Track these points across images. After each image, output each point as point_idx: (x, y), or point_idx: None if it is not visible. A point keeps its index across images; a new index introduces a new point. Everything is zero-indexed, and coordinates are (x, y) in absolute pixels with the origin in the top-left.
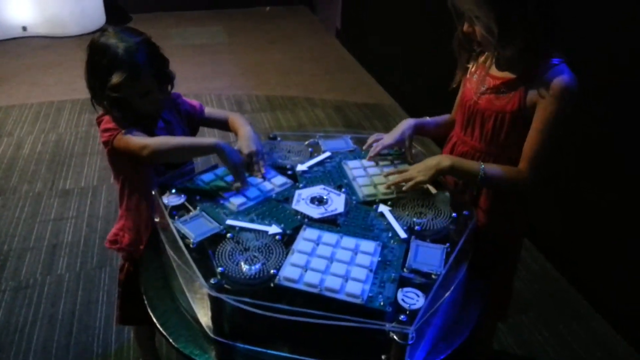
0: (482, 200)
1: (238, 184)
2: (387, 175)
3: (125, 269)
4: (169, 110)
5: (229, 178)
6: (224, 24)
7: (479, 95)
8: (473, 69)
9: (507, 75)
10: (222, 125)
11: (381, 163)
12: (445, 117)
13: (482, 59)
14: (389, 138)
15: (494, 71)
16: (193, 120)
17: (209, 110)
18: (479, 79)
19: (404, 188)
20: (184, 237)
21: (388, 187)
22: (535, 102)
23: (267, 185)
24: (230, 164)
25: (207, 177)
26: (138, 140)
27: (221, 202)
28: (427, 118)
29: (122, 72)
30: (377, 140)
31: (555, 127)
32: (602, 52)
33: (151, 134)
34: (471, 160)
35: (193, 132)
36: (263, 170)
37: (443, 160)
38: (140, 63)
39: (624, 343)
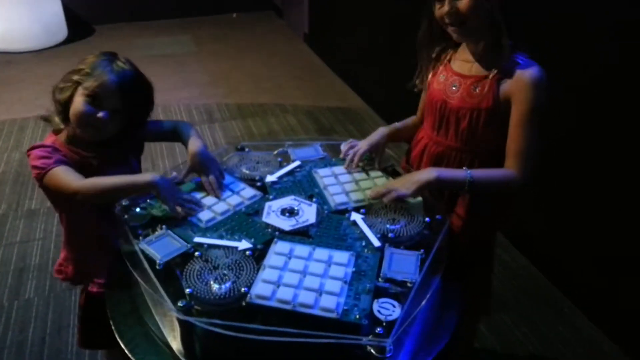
0: (458, 203)
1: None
2: (371, 195)
3: (85, 292)
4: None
5: (195, 193)
6: (191, 33)
7: (450, 95)
8: (438, 70)
9: (477, 72)
10: (168, 137)
11: (353, 170)
12: (412, 119)
13: (447, 56)
14: (366, 145)
15: (461, 70)
16: (138, 140)
17: (153, 123)
18: (447, 79)
19: (384, 199)
20: (149, 258)
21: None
22: (509, 97)
23: (236, 199)
24: (165, 201)
25: None
26: (68, 182)
27: (188, 218)
28: (397, 124)
29: (92, 76)
30: (351, 148)
31: (535, 119)
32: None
33: (100, 168)
34: (447, 160)
35: (139, 152)
36: (219, 193)
37: (429, 173)
38: (113, 82)
39: (606, 339)
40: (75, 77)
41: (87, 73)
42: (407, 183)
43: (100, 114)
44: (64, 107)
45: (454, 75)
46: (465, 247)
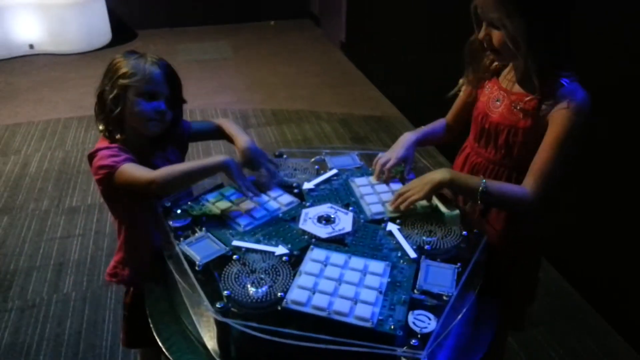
0: (494, 220)
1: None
2: (392, 205)
3: (131, 292)
4: (172, 149)
5: (234, 197)
6: (229, 39)
7: (493, 108)
8: (486, 82)
9: (520, 91)
10: (212, 135)
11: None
12: (441, 123)
13: (500, 71)
14: (394, 159)
15: (507, 85)
16: (181, 140)
17: (195, 124)
18: (492, 92)
19: (402, 207)
20: (189, 260)
21: (393, 208)
22: (548, 119)
23: (274, 205)
24: (238, 181)
25: (212, 196)
26: (142, 174)
27: (227, 222)
28: (425, 128)
29: (141, 63)
30: (383, 164)
31: (567, 145)
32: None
33: (148, 164)
34: (484, 171)
35: (183, 152)
36: (272, 184)
37: (442, 174)
38: (160, 68)
39: (638, 357)
40: (124, 82)
41: (133, 73)
42: (420, 185)
43: (160, 107)
44: (120, 117)
45: (500, 89)
46: (505, 266)
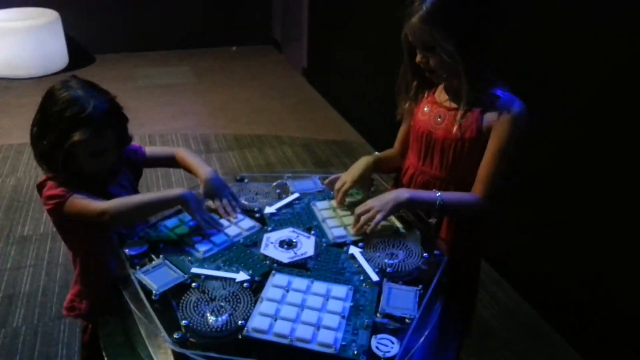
0: (442, 228)
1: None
2: (354, 226)
3: (90, 329)
4: (125, 172)
5: (194, 223)
6: (191, 65)
7: (436, 126)
8: (422, 102)
9: (459, 105)
10: (168, 163)
11: (348, 203)
12: (391, 151)
13: (432, 91)
14: (349, 182)
15: (445, 102)
16: (135, 165)
17: (150, 150)
18: (432, 110)
19: (367, 230)
20: (145, 288)
21: (356, 231)
22: (490, 128)
23: (235, 230)
24: (194, 215)
25: (170, 222)
26: (94, 205)
27: (186, 249)
28: (378, 154)
29: (87, 129)
30: (332, 183)
31: (509, 151)
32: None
33: (103, 191)
34: (432, 189)
35: (137, 177)
36: (234, 215)
37: (400, 194)
38: (107, 122)
39: None
40: (73, 149)
41: (81, 140)
42: (382, 205)
43: (107, 162)
44: (65, 163)
45: (438, 107)
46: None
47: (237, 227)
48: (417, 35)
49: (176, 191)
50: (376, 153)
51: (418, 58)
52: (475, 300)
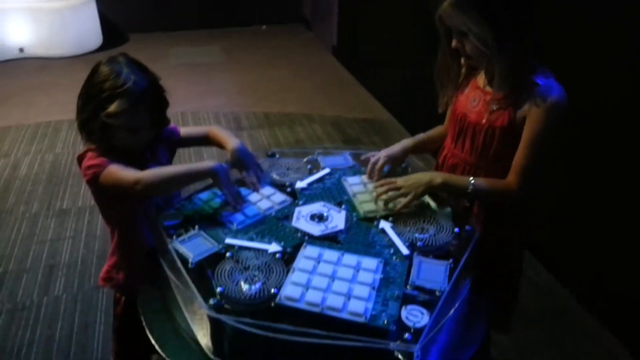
0: (476, 211)
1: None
2: (378, 195)
3: (123, 301)
4: (162, 149)
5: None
6: (221, 44)
7: (470, 109)
8: (464, 84)
9: (495, 90)
10: (202, 141)
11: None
12: (438, 130)
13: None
14: (383, 157)
15: (483, 85)
16: (171, 145)
17: (184, 130)
18: (470, 92)
19: (396, 208)
20: (182, 258)
21: (385, 205)
22: (526, 117)
23: (266, 203)
24: (224, 189)
25: (204, 195)
26: (128, 174)
27: (220, 220)
28: (421, 135)
29: (124, 102)
30: (374, 163)
31: (546, 141)
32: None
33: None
34: (461, 173)
35: (172, 157)
36: (258, 187)
37: (434, 177)
38: (144, 99)
39: (626, 354)
40: (109, 120)
41: (118, 112)
42: (414, 186)
43: (142, 139)
44: (102, 134)
45: (476, 89)
46: (489, 258)
47: (269, 200)
48: (449, 21)
49: (208, 164)
50: (420, 135)
51: (453, 43)
52: (517, 293)
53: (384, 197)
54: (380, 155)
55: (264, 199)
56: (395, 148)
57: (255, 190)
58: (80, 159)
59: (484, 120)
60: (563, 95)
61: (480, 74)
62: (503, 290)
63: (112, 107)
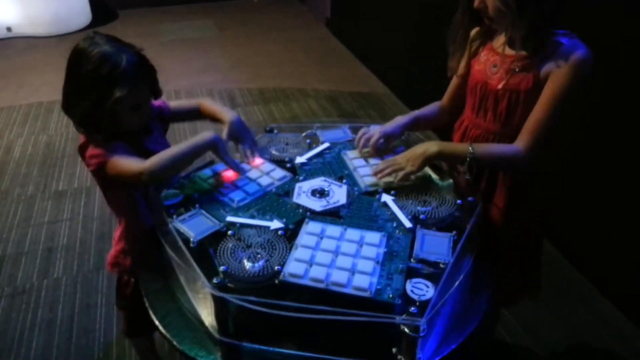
0: (498, 198)
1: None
2: (375, 171)
3: (132, 283)
4: (155, 126)
5: (221, 167)
6: (213, 17)
7: (491, 75)
8: (480, 50)
9: (519, 53)
10: (193, 115)
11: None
12: (434, 106)
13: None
14: (378, 133)
15: (502, 49)
16: (163, 121)
17: (174, 104)
18: (488, 59)
19: (396, 180)
20: (183, 237)
21: (379, 178)
22: (547, 77)
23: (266, 180)
24: (226, 158)
25: (204, 173)
26: (132, 166)
27: (220, 198)
28: (417, 112)
29: (125, 84)
30: (367, 139)
31: (565, 100)
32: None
33: (141, 148)
34: (485, 142)
35: (164, 132)
36: (253, 159)
37: (430, 146)
38: (139, 75)
39: (630, 325)
40: (115, 106)
41: (122, 96)
42: (412, 159)
43: (145, 115)
44: (110, 122)
45: (495, 54)
46: (509, 240)
47: (269, 177)
48: None
49: (208, 135)
50: (415, 112)
51: (476, 3)
52: (540, 260)
53: (386, 179)
54: (375, 131)
55: (264, 175)
56: (391, 125)
57: (249, 163)
58: (82, 149)
59: (507, 85)
60: (588, 54)
61: (497, 38)
62: (520, 267)
63: (117, 92)
